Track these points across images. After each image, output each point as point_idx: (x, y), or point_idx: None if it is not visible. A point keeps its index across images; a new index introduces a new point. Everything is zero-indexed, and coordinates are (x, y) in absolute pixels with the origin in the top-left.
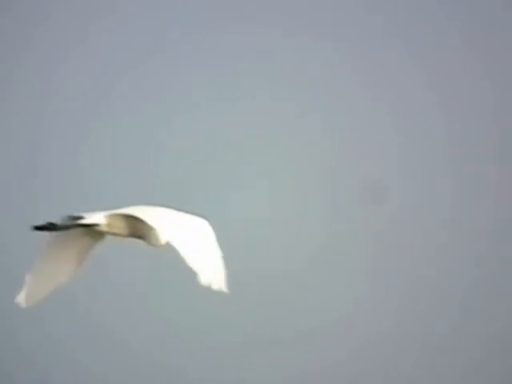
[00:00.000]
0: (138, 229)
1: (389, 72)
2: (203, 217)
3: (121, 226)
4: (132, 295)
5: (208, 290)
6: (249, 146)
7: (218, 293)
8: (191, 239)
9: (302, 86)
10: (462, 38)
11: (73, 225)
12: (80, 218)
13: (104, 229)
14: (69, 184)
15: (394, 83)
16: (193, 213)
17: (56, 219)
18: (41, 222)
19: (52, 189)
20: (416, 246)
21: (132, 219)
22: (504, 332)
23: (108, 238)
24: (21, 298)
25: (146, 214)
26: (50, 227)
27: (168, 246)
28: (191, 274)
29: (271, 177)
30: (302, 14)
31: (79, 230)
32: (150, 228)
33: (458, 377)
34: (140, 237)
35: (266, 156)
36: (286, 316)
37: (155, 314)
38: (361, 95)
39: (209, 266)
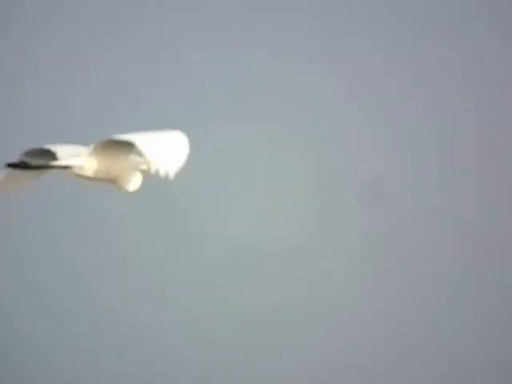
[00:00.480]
0: (111, 172)
1: (387, 74)
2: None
3: (94, 169)
4: (136, 273)
5: (154, 177)
6: (250, 145)
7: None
8: (159, 140)
9: (302, 88)
10: (455, 47)
11: (46, 166)
12: (51, 154)
13: (76, 171)
14: None
15: (392, 85)
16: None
17: (27, 151)
18: (14, 160)
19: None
20: (413, 244)
21: (107, 161)
22: (496, 326)
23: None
24: None
25: (122, 136)
26: (22, 165)
27: (139, 191)
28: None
29: (271, 176)
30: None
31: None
32: (124, 172)
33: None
34: (112, 181)
35: (266, 156)
36: (287, 316)
37: (159, 293)
38: (359, 97)
39: (165, 157)
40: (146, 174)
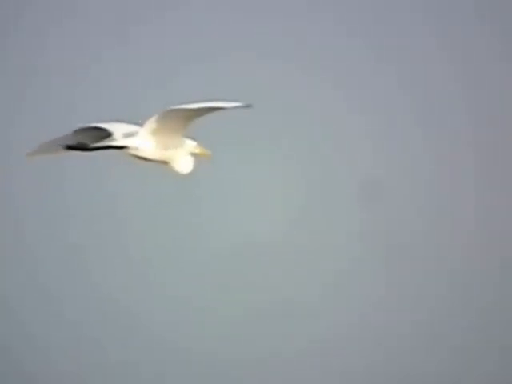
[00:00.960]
0: (166, 154)
1: (386, 76)
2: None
3: (149, 150)
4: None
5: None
6: (254, 146)
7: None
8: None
9: (304, 91)
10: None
11: (103, 146)
12: (104, 132)
13: (132, 152)
14: None
15: (392, 87)
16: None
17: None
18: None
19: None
20: (411, 244)
21: (162, 142)
22: (497, 325)
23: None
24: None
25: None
26: (81, 147)
27: (191, 174)
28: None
29: (271, 176)
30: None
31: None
32: (178, 154)
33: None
34: (166, 163)
35: (267, 157)
36: (284, 314)
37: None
38: (358, 99)
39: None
40: (199, 157)
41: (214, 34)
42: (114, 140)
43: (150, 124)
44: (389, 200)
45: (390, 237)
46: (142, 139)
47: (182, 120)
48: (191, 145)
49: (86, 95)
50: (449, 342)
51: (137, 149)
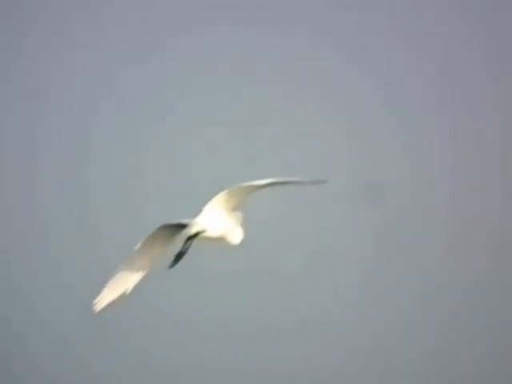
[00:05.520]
0: (224, 229)
1: (390, 74)
2: None
3: (214, 228)
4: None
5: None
6: (252, 145)
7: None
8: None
9: (306, 89)
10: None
11: (188, 244)
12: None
13: (201, 233)
14: None
15: (393, 87)
16: None
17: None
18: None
19: None
20: (413, 246)
21: (224, 216)
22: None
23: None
24: (96, 303)
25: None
26: (180, 257)
27: (241, 244)
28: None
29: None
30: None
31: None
32: (235, 226)
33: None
34: (223, 238)
35: (266, 156)
36: (286, 314)
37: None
38: (361, 96)
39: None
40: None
41: (212, 35)
42: (189, 226)
43: (215, 202)
44: (398, 201)
45: (391, 238)
46: (207, 218)
47: (244, 195)
48: (240, 216)
49: (87, 95)
50: (450, 341)
51: (205, 230)
